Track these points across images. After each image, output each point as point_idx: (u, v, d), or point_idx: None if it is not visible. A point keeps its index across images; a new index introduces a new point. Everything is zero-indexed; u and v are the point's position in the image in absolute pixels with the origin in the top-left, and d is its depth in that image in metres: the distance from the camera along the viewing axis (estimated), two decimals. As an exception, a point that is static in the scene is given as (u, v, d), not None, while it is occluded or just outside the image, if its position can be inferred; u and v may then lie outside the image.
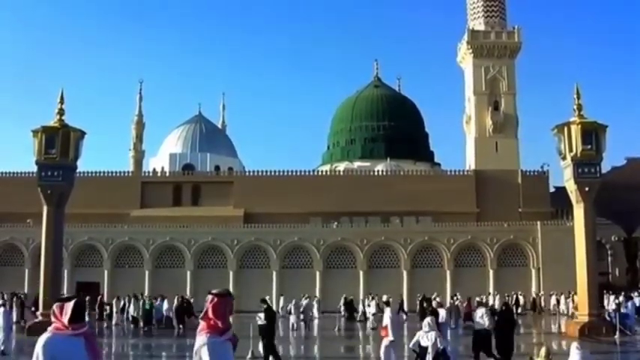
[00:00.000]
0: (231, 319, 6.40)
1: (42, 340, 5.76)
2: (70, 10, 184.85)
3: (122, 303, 41.85)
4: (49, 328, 5.88)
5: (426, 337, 16.73)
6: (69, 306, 5.83)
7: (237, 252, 60.25)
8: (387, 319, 18.59)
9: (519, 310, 49.36)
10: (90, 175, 65.93)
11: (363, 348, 30.35)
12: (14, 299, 43.11)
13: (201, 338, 6.16)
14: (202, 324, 6.21)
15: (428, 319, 17.41)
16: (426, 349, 16.46)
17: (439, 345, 16.37)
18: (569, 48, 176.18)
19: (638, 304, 43.63)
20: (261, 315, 19.60)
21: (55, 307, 5.88)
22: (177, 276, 58.80)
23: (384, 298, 19.13)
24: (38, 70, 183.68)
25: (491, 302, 51.93)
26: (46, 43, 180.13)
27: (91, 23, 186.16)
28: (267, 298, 29.09)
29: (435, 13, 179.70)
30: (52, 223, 32.11)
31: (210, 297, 6.24)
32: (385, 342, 18.00)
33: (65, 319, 5.78)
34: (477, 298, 20.20)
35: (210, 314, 6.16)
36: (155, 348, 30.24)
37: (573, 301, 50.69)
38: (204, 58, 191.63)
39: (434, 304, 27.88)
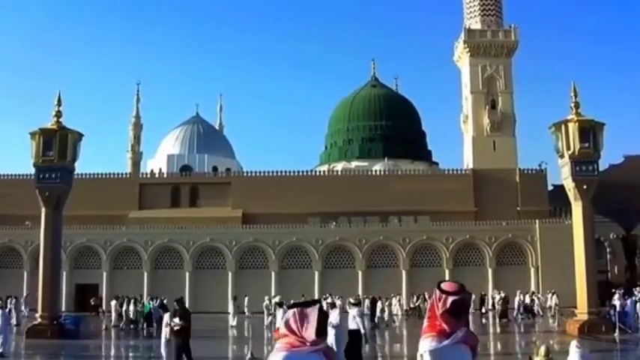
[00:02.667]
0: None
1: None
2: (68, 11, 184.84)
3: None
4: (280, 345, 4.65)
5: None
6: (312, 314, 4.60)
7: (236, 253, 60.23)
8: (279, 321, 17.64)
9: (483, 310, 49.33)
10: (88, 176, 65.91)
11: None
12: (13, 301, 43.05)
13: (423, 342, 5.13)
14: (425, 324, 5.21)
15: None
16: None
17: None
18: (566, 46, 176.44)
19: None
20: (176, 319, 17.86)
21: (292, 315, 4.64)
22: (176, 277, 58.77)
23: (277, 299, 18.33)
24: (36, 71, 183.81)
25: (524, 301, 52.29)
26: (44, 44, 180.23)
27: (88, 24, 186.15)
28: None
29: (431, 12, 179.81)
30: (50, 225, 32.07)
31: (437, 293, 5.14)
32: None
33: (310, 332, 4.55)
34: (351, 299, 19.56)
35: (435, 314, 5.10)
36: (156, 349, 30.20)
37: (537, 299, 51.13)
38: (201, 59, 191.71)
39: (324, 304, 26.43)
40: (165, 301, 41.35)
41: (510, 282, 56.17)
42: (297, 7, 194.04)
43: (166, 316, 18.25)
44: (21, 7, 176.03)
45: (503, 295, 47.70)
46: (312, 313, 4.58)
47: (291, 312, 4.65)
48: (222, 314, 50.18)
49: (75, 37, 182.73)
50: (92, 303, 53.01)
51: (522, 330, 38.78)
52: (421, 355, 5.10)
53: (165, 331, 17.79)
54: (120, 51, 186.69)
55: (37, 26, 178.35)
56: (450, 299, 5.09)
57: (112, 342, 33.29)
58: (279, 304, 18.34)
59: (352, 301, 19.59)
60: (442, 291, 5.14)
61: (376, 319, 40.47)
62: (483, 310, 49.19)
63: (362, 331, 18.59)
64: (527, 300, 49.88)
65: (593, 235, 34.19)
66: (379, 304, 42.46)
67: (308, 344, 4.53)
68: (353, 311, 19.03)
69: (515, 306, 46.90)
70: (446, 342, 5.01)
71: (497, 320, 43.84)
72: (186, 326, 17.68)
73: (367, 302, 44.88)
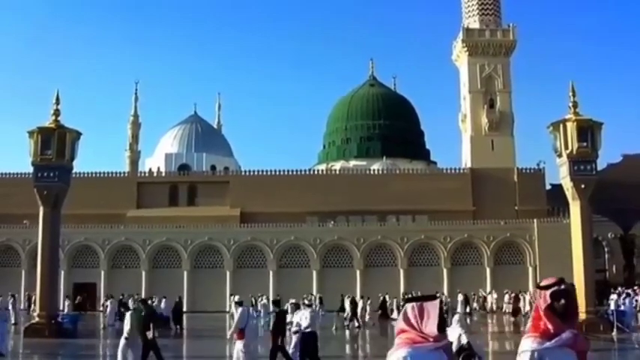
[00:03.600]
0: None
1: (398, 357, 4.29)
2: (67, 11, 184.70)
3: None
4: (400, 341, 4.34)
5: (452, 333, 17.07)
6: (433, 309, 4.33)
7: (234, 252, 60.20)
8: (237, 321, 17.06)
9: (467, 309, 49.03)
10: (86, 175, 65.81)
11: (363, 347, 30.40)
12: (12, 300, 43.01)
13: (524, 342, 4.73)
14: (529, 325, 4.83)
15: (456, 316, 17.60)
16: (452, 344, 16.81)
17: (463, 341, 16.58)
18: (564, 46, 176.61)
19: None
20: (149, 332, 17.77)
21: (410, 310, 4.38)
22: (174, 276, 58.71)
23: (236, 298, 18.16)
24: (34, 70, 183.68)
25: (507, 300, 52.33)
26: (42, 43, 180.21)
27: (87, 23, 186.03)
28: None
29: (430, 11, 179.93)
30: (48, 224, 32.01)
31: (537, 292, 4.76)
32: (239, 346, 16.70)
33: (432, 327, 4.28)
34: (305, 300, 19.37)
35: (539, 314, 4.66)
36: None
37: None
38: (199, 58, 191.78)
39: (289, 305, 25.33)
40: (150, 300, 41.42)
41: (508, 281, 56.17)
42: (295, 6, 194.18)
43: (127, 315, 18.23)
44: (21, 7, 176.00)
45: (514, 294, 48.46)
46: (433, 308, 4.34)
47: (409, 306, 4.39)
48: (220, 313, 50.19)
49: (74, 37, 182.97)
50: (76, 301, 52.81)
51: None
52: (519, 355, 4.71)
53: (126, 330, 17.78)
54: (119, 50, 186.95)
55: (36, 26, 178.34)
56: (549, 292, 4.64)
57: (110, 341, 33.24)
58: (239, 304, 18.13)
59: (306, 302, 19.46)
60: (541, 287, 4.73)
61: (358, 319, 40.51)
62: (467, 310, 48.95)
63: (311, 330, 18.27)
64: (506, 299, 50.97)
65: (591, 235, 34.23)
66: (360, 304, 42.50)
67: (431, 340, 4.27)
68: (305, 312, 18.95)
69: (527, 305, 47.27)
70: (548, 344, 4.54)
71: (510, 318, 44.93)
72: (147, 323, 17.72)
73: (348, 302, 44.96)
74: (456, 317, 17.57)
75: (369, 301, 43.68)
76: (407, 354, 4.23)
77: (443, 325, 4.33)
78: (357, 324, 38.79)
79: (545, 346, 4.53)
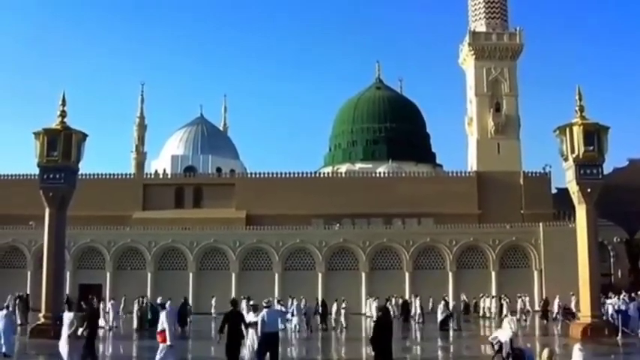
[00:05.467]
0: None
1: None
2: (72, 12, 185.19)
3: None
4: None
5: (503, 334, 17.25)
6: None
7: (240, 254, 60.29)
8: (163, 323, 17.20)
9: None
10: (92, 177, 65.97)
11: (365, 349, 30.37)
12: (17, 301, 43.08)
13: None
14: None
15: (507, 319, 17.72)
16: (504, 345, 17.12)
17: (514, 342, 16.81)
18: (571, 49, 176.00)
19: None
20: (80, 329, 17.83)
21: None
22: (180, 278, 58.86)
23: (158, 300, 17.89)
24: (40, 72, 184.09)
25: (490, 305, 51.96)
26: (48, 45, 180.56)
27: (92, 25, 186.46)
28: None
29: (436, 14, 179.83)
30: (54, 226, 32.08)
31: None
32: (162, 348, 16.85)
33: None
34: (264, 302, 19.54)
35: None
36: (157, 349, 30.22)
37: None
38: (205, 60, 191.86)
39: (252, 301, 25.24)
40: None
41: (514, 285, 56.12)
42: (303, 9, 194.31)
43: (70, 315, 18.30)
44: (21, 7, 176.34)
45: (544, 297, 49.54)
46: None
47: None
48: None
49: (78, 38, 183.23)
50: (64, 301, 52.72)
51: (546, 332, 38.75)
52: None
53: (65, 330, 17.85)
54: (123, 52, 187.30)
55: (38, 26, 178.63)
56: None
57: (113, 342, 33.31)
58: (161, 306, 18.32)
59: (264, 303, 19.52)
60: None
61: (332, 321, 40.54)
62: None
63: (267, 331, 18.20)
64: (492, 303, 51.36)
65: (597, 239, 34.09)
66: (335, 306, 42.45)
67: None
68: (252, 314, 18.94)
69: (555, 308, 47.87)
70: None
71: (538, 321, 45.75)
72: (91, 325, 17.89)
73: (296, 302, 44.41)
74: (508, 318, 17.71)
75: (344, 304, 43.27)
76: None
77: None
78: (324, 326, 39.02)
79: None
